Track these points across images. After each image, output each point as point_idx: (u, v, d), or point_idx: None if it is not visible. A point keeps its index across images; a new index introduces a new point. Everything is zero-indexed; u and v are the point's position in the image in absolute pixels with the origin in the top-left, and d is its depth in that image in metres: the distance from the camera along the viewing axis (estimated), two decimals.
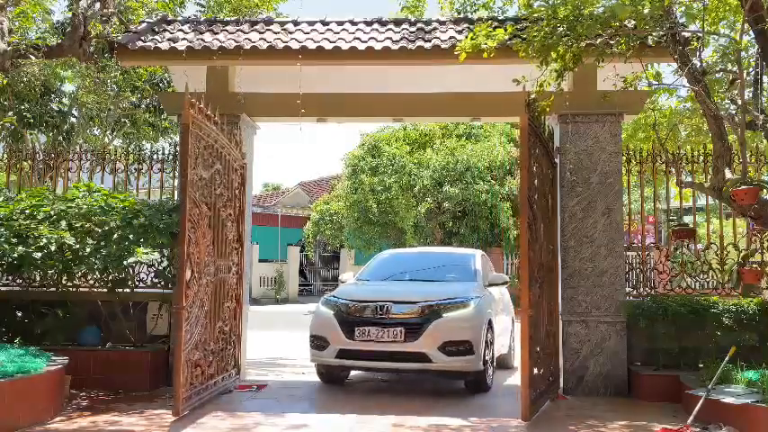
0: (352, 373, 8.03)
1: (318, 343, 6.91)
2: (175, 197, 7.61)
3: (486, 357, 6.77)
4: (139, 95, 12.37)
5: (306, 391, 7.05)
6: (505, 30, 6.16)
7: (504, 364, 8.52)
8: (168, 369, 6.70)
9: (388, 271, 8.14)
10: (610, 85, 6.37)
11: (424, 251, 10.26)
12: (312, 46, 7.09)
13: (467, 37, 6.28)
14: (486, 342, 6.75)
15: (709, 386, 5.45)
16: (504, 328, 8.29)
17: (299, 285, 25.81)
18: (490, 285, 7.55)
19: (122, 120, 12.77)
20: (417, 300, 6.71)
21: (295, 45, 7.09)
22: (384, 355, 6.56)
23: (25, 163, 8.25)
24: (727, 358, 5.66)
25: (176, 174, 7.70)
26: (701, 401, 5.31)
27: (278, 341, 11.10)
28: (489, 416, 5.78)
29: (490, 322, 6.97)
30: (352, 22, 7.57)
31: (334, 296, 7.21)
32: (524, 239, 5.60)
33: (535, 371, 5.90)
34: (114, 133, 13.53)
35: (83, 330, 7.07)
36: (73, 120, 12.89)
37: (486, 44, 5.97)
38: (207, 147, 6.24)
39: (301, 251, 26.74)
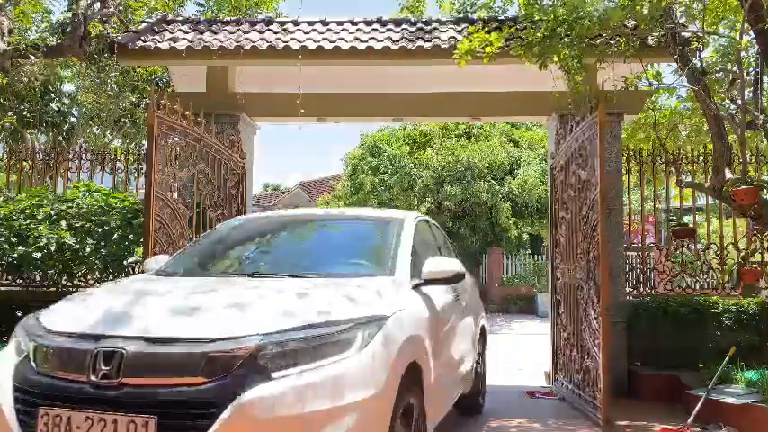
0: None
1: None
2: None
3: None
4: (139, 95, 12.37)
5: None
6: (501, 31, 6.16)
7: (466, 405, 5.55)
8: None
9: (229, 252, 4.41)
10: (610, 86, 6.37)
11: (311, 215, 5.38)
12: (312, 46, 7.09)
13: (463, 40, 6.27)
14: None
15: (709, 386, 5.46)
16: (465, 352, 4.79)
17: None
18: (428, 283, 3.77)
19: (122, 119, 12.77)
20: (213, 333, 2.70)
21: (295, 45, 7.09)
22: None
23: (25, 163, 8.24)
24: (726, 358, 5.67)
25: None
26: (700, 401, 5.32)
27: None
28: (489, 416, 5.77)
29: (417, 371, 3.28)
30: (352, 22, 7.57)
31: (39, 320, 3.08)
32: (603, 237, 5.43)
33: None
34: (114, 133, 13.53)
35: None
36: (73, 120, 12.90)
37: (481, 50, 5.96)
38: (186, 147, 6.23)
39: None
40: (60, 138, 11.97)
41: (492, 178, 18.81)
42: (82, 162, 8.20)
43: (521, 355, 10.15)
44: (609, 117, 6.99)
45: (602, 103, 5.50)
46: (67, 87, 13.32)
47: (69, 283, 7.16)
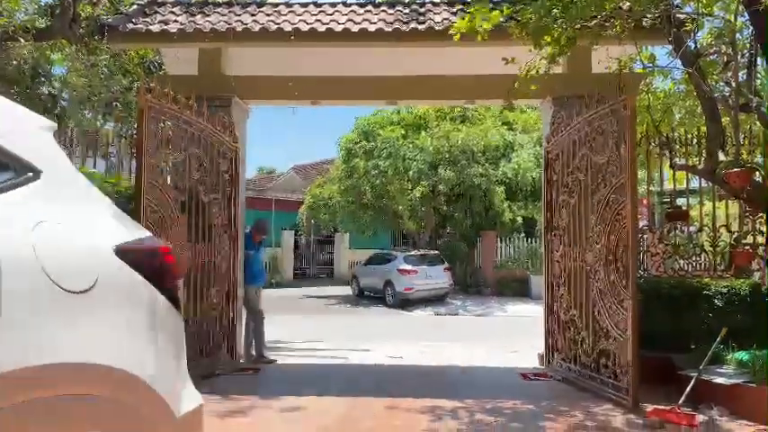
0: (350, 354, 8.10)
1: None
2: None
3: None
4: (131, 78, 12.24)
5: (302, 375, 7.08)
6: (501, 12, 6.11)
7: None
8: None
9: None
10: (604, 68, 6.35)
11: None
12: (305, 28, 7.03)
13: (463, 18, 6.22)
14: None
15: (700, 367, 5.51)
16: None
17: (294, 269, 25.87)
18: None
19: (114, 103, 12.65)
20: None
21: (287, 27, 7.03)
22: None
23: None
24: (718, 339, 5.71)
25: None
26: (692, 382, 5.37)
27: (273, 325, 11.16)
28: (484, 397, 5.82)
29: None
30: (345, 4, 7.51)
31: None
32: (633, 221, 5.45)
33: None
34: (105, 117, 13.41)
35: None
36: (64, 103, 12.76)
37: (481, 26, 5.92)
38: (177, 131, 6.20)
39: (296, 235, 26.76)
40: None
41: (486, 162, 18.80)
42: (74, 146, 8.13)
43: (514, 337, 10.22)
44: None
45: (632, 86, 5.52)
46: (58, 70, 13.17)
47: None
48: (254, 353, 7.78)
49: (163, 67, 9.76)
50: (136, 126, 6.59)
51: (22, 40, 7.61)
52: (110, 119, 13.67)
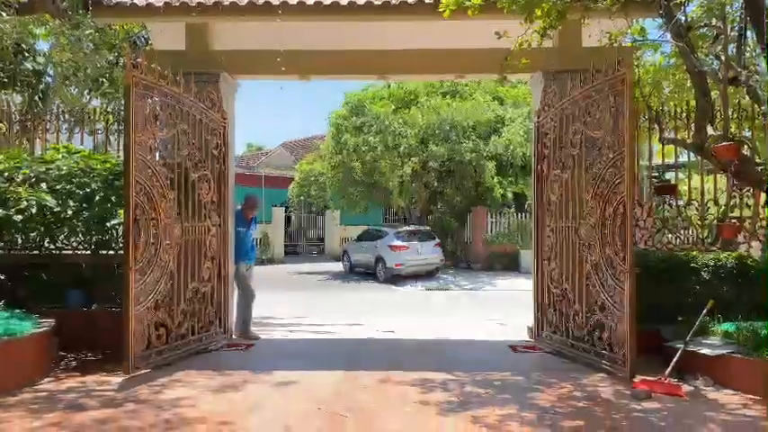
0: (341, 329, 8.15)
1: None
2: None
3: None
4: (117, 54, 12.04)
5: (294, 349, 7.13)
6: None
7: None
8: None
9: None
10: (595, 42, 6.31)
11: None
12: (293, 1, 6.94)
13: None
14: None
15: (687, 338, 5.61)
16: None
17: (285, 246, 25.89)
18: None
19: (100, 79, 12.46)
20: None
21: (275, 0, 6.93)
22: None
23: (1, 124, 8.06)
24: (704, 311, 5.81)
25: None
26: (678, 353, 5.47)
27: (265, 301, 11.19)
28: (475, 370, 5.90)
29: None
30: None
31: None
32: (631, 196, 5.48)
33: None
34: (92, 93, 13.21)
35: (68, 293, 7.06)
36: (48, 79, 12.55)
37: (469, 1, 5.85)
38: (165, 107, 6.13)
39: (286, 212, 26.74)
40: (36, 98, 11.67)
41: (477, 137, 18.77)
42: (60, 123, 8.03)
43: (504, 310, 10.32)
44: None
45: (629, 61, 5.49)
46: (42, 46, 12.94)
47: (52, 246, 7.11)
48: (234, 330, 7.76)
49: (149, 42, 9.61)
50: (123, 102, 6.51)
51: (4, 14, 7.45)
52: (96, 95, 13.47)
